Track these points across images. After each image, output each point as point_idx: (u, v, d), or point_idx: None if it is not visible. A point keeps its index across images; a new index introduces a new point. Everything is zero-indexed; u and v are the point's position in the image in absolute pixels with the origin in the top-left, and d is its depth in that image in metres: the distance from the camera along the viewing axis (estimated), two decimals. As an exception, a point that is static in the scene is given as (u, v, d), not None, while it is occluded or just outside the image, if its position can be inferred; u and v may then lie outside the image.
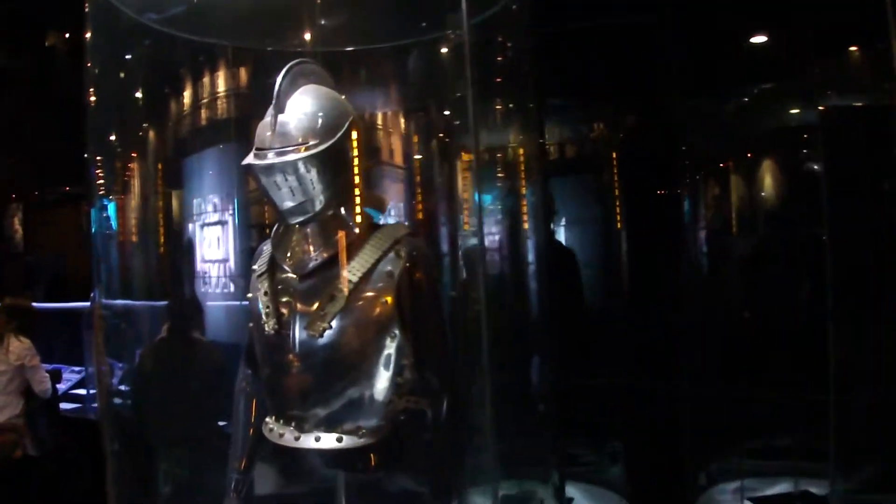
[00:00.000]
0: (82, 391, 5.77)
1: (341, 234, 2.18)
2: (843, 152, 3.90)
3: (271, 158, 2.09)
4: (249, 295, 2.31)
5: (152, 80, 3.07)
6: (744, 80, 4.60)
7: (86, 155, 2.74)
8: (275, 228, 2.30)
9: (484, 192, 2.73)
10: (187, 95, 3.35)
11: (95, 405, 5.22)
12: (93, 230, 2.84)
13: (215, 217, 3.89)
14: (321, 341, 2.14)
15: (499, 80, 2.91)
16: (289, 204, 2.13)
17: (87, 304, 5.60)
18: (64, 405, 5.64)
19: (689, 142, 4.60)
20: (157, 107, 3.23)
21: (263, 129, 2.14)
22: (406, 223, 2.53)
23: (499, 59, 2.92)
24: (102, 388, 3.01)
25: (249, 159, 2.14)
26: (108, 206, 3.18)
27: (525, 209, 2.77)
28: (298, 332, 2.17)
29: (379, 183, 2.82)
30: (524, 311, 2.45)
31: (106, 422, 2.88)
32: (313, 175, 2.10)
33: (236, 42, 2.98)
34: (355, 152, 2.18)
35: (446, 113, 2.72)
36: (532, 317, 2.43)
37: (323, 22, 2.71)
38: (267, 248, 2.33)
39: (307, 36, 2.70)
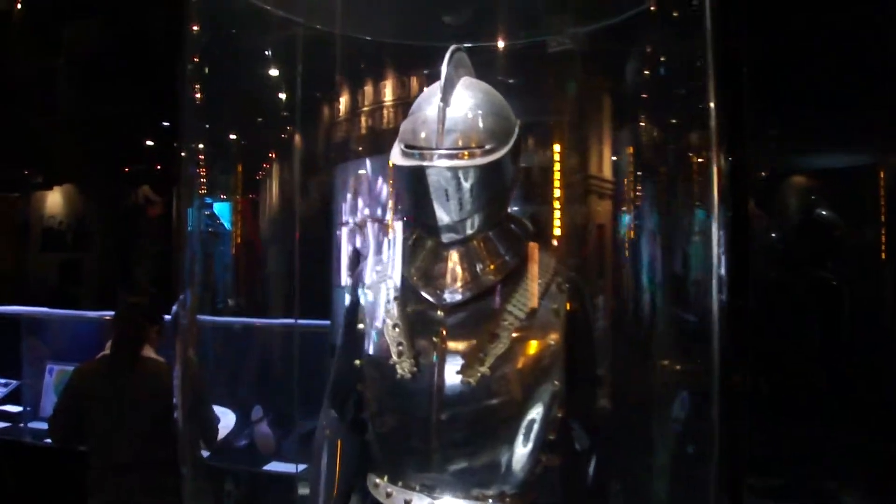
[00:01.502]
0: (13, 408, 5.11)
1: (500, 261, 1.87)
2: None
3: (450, 160, 1.74)
4: (361, 326, 1.94)
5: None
6: None
7: (182, 154, 2.36)
8: (401, 246, 1.96)
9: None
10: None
11: (34, 424, 4.74)
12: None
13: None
14: (474, 389, 1.79)
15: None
16: (450, 219, 1.79)
17: (20, 308, 5.19)
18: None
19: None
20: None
21: (424, 125, 1.78)
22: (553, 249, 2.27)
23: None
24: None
25: (409, 159, 1.78)
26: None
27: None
28: (446, 377, 1.82)
29: (584, 199, 2.57)
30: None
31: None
32: (486, 185, 1.78)
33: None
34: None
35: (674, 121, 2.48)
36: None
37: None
38: (387, 269, 1.97)
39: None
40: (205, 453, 3.19)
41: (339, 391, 2.08)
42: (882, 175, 4.01)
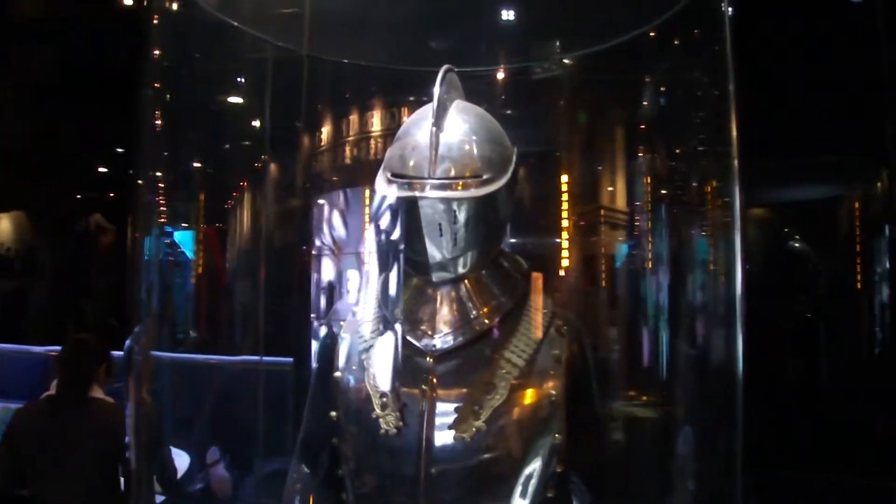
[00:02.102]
0: None
1: (495, 303, 1.67)
2: None
3: (443, 191, 1.55)
4: (337, 374, 1.73)
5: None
6: None
7: (139, 181, 2.18)
8: (382, 285, 1.64)
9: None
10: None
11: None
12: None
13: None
14: (468, 445, 1.59)
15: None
16: (442, 256, 1.60)
17: None
18: None
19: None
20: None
21: (415, 151, 1.59)
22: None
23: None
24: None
25: (397, 189, 1.57)
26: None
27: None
28: (436, 433, 1.61)
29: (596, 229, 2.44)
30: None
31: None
32: (481, 219, 1.59)
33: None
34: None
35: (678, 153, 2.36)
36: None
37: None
38: (367, 312, 1.76)
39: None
40: (159, 498, 3.00)
41: (311, 445, 1.86)
42: (856, 206, 4.01)
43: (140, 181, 2.15)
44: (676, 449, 2.31)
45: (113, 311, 6.21)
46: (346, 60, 2.37)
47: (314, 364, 1.85)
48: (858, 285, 3.94)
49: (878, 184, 3.92)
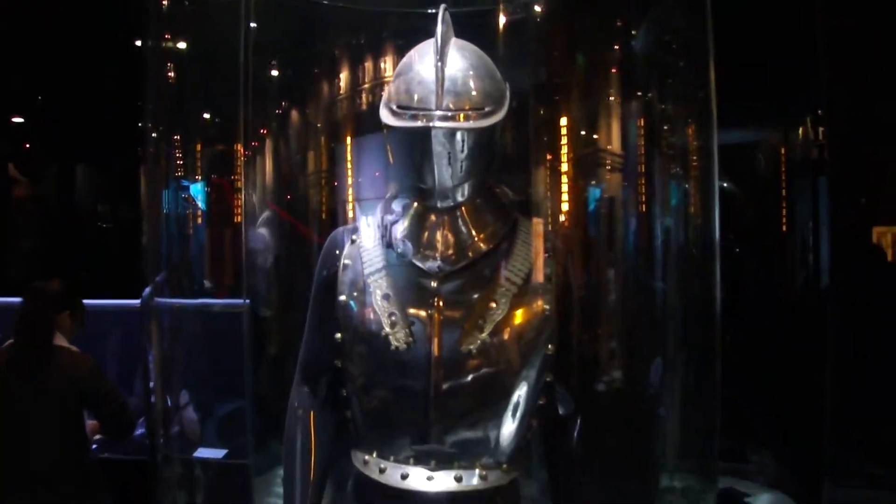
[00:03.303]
0: None
1: (490, 229, 1.85)
2: None
3: (453, 122, 1.68)
4: (342, 298, 1.86)
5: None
6: None
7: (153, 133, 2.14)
8: (386, 212, 1.88)
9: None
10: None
11: None
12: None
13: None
14: (473, 357, 1.77)
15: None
16: (450, 182, 1.74)
17: None
18: None
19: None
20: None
21: (420, 85, 1.73)
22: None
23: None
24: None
25: (406, 121, 1.71)
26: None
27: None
28: (444, 346, 1.78)
29: (592, 171, 2.52)
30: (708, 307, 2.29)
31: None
32: (484, 149, 1.75)
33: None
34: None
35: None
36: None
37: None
38: (369, 237, 1.90)
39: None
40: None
41: (313, 368, 2.00)
42: (783, 150, 4.25)
43: (153, 134, 2.15)
44: (649, 379, 2.50)
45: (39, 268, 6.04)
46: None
47: (313, 291, 1.98)
48: (783, 227, 4.21)
49: (801, 129, 4.17)
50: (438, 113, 1.70)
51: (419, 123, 1.70)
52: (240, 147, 2.51)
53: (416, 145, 1.72)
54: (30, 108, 6.23)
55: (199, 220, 2.87)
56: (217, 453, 3.13)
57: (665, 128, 2.48)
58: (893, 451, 3.71)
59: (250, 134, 2.47)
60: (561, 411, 1.96)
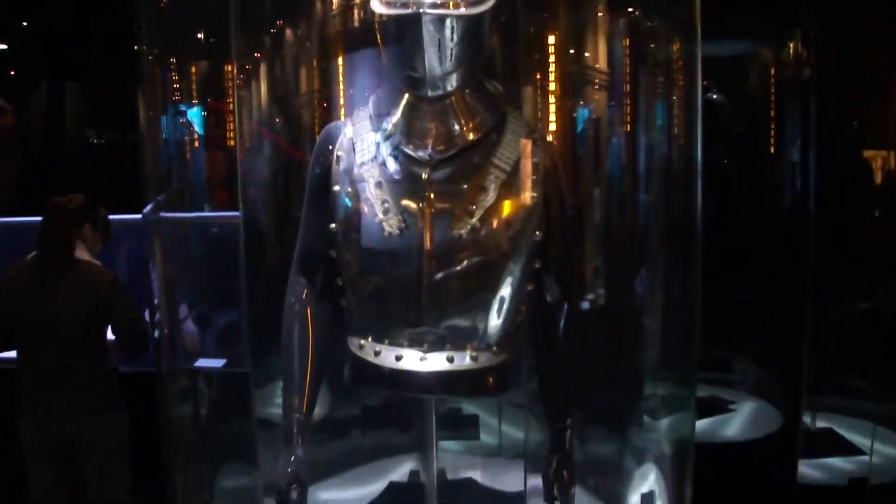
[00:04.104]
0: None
1: (479, 118, 1.88)
2: None
3: (445, 9, 1.71)
4: (336, 188, 1.90)
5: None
6: None
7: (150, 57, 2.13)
8: (380, 103, 1.91)
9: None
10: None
11: None
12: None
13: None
14: (465, 242, 1.83)
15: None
16: (441, 70, 1.77)
17: None
18: None
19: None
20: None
21: None
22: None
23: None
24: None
25: (397, 8, 1.73)
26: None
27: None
28: (436, 231, 1.84)
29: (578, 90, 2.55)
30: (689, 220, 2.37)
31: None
32: (473, 38, 1.78)
33: None
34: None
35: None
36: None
37: None
38: (362, 129, 1.93)
39: None
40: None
41: (308, 259, 2.04)
42: (773, 70, 4.26)
43: (150, 57, 2.15)
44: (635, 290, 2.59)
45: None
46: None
47: (308, 185, 2.02)
48: (772, 141, 4.25)
49: (791, 44, 4.18)
50: (429, 0, 1.72)
51: (410, 10, 1.72)
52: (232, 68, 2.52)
53: (407, 33, 1.75)
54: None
55: (196, 144, 2.90)
56: (217, 363, 3.21)
57: (651, 45, 2.51)
58: (869, 362, 3.86)
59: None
60: (548, 298, 2.04)
